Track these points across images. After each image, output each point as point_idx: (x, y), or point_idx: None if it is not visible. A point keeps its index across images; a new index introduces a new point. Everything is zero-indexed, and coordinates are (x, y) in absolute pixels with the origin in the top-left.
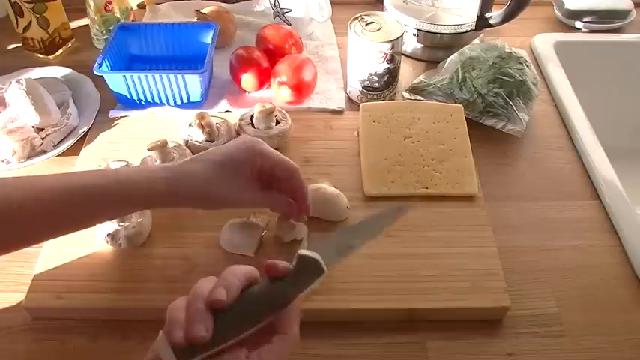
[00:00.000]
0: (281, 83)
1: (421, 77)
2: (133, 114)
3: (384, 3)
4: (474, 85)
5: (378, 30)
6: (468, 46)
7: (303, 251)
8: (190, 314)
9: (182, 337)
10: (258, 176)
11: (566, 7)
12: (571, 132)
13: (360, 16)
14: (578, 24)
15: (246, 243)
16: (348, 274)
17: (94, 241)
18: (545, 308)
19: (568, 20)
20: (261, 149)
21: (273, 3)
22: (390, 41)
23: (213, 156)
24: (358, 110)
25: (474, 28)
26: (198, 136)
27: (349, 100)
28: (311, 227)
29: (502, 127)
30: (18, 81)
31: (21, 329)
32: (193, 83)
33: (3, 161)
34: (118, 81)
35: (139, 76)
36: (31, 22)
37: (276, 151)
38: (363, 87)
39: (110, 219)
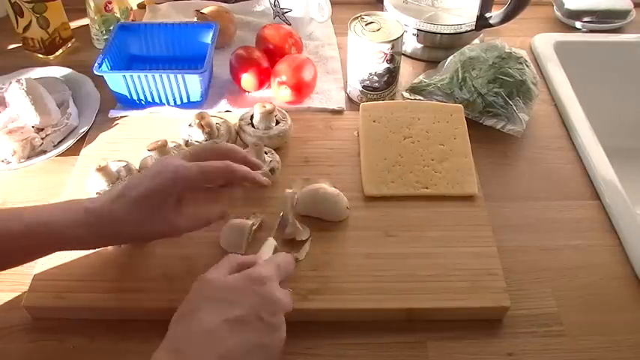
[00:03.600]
0: (281, 83)
1: (421, 77)
2: (133, 114)
3: (384, 3)
4: (473, 85)
5: (378, 30)
6: (467, 46)
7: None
8: None
9: None
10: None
11: (566, 7)
12: (571, 132)
13: (360, 16)
14: (578, 24)
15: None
16: (348, 274)
17: None
18: (545, 308)
19: (568, 20)
20: (183, 171)
21: (273, 3)
22: (390, 41)
23: (135, 192)
24: (358, 110)
25: (473, 28)
26: (198, 136)
27: (349, 100)
28: (311, 227)
29: (502, 127)
30: (18, 81)
31: (21, 329)
32: (193, 83)
33: (3, 161)
34: (117, 81)
35: (138, 76)
36: (30, 22)
37: (194, 163)
38: (363, 87)
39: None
